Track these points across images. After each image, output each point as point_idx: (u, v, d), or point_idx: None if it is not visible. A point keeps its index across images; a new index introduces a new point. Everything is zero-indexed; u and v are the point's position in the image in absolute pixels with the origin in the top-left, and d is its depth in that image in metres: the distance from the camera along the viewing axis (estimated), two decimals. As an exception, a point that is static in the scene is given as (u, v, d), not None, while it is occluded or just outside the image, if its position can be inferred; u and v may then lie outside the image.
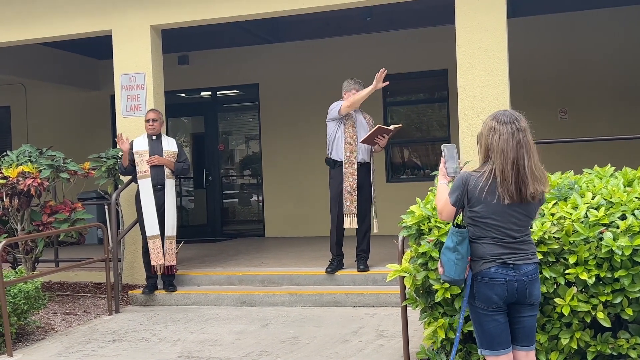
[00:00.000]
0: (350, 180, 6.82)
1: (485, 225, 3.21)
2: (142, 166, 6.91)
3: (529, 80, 9.72)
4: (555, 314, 3.94)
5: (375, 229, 6.98)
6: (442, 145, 3.48)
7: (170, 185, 7.01)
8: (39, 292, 5.85)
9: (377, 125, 6.84)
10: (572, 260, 3.83)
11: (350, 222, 6.84)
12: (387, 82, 6.79)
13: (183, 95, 12.02)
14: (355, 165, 6.82)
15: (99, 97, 12.09)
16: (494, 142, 3.16)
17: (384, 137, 6.82)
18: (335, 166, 6.92)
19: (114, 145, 8.63)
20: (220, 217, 11.92)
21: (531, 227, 3.40)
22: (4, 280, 5.41)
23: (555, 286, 3.91)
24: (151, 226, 6.87)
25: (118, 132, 7.48)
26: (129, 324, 6.24)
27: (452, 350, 3.43)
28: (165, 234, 6.92)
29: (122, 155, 7.06)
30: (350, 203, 6.81)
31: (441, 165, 3.46)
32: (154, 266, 6.90)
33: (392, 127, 6.91)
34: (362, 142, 6.80)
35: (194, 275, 7.43)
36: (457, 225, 3.29)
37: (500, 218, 3.18)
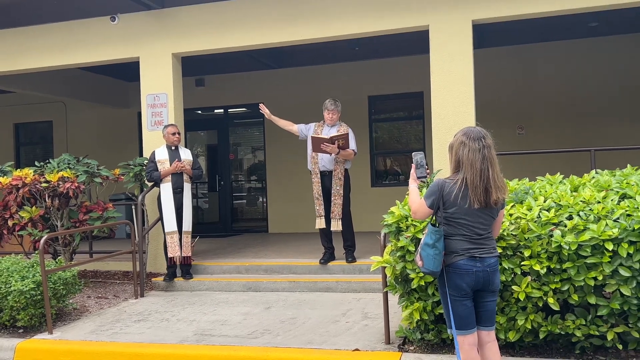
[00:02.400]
0: (316, 188, 6.81)
1: (457, 224, 3.23)
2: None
3: (492, 101, 9.76)
4: (513, 299, 3.96)
5: (334, 227, 6.77)
6: (412, 154, 3.50)
7: (187, 189, 7.01)
8: (75, 279, 5.83)
9: (311, 136, 6.67)
10: (527, 253, 3.85)
11: (320, 223, 6.80)
12: (266, 112, 7.11)
13: (199, 112, 12.02)
14: (319, 175, 6.80)
15: (127, 113, 12.09)
16: (464, 155, 3.18)
17: (327, 145, 6.51)
18: (311, 175, 6.94)
19: (141, 155, 8.60)
20: (230, 215, 11.91)
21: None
22: (46, 268, 5.40)
23: (512, 275, 3.93)
24: (169, 223, 6.85)
25: (145, 146, 7.44)
26: (152, 307, 6.22)
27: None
28: (183, 230, 6.91)
29: (163, 169, 6.87)
30: (318, 207, 6.78)
31: (412, 171, 3.48)
32: (171, 257, 6.89)
33: (328, 136, 6.58)
34: (313, 151, 6.73)
35: (208, 265, 7.42)
36: (433, 225, 3.31)
37: (470, 218, 3.21)
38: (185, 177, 6.98)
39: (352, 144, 6.78)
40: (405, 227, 4.19)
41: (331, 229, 6.81)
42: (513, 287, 3.90)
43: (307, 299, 6.25)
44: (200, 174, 7.33)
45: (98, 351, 4.81)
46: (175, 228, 6.86)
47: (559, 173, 4.74)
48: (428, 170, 3.53)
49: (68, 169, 7.04)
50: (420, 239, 3.69)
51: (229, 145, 11.98)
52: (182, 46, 7.79)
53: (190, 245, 6.98)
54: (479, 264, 3.20)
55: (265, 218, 11.54)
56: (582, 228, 3.78)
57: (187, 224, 6.95)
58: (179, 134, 7.12)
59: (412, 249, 4.08)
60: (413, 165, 3.47)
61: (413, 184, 3.46)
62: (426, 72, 7.01)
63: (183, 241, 6.90)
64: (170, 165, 6.88)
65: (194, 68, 10.28)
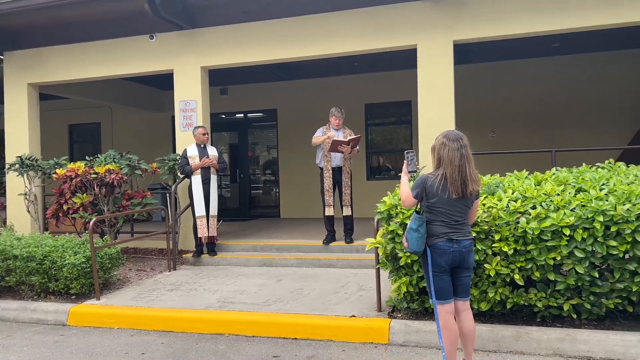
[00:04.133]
0: (327, 182, 6.81)
1: (437, 212, 3.22)
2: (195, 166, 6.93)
3: (469, 108, 9.72)
4: (485, 275, 3.96)
5: (345, 213, 6.81)
6: (405, 152, 3.49)
7: (214, 180, 7.01)
8: (119, 255, 5.86)
9: (332, 139, 6.64)
10: (497, 237, 3.85)
11: (329, 211, 6.83)
12: (334, 137, 6.67)
13: (223, 116, 12.00)
14: (331, 171, 6.80)
15: (163, 117, 12.08)
16: (444, 154, 3.18)
17: (344, 146, 6.61)
18: (321, 171, 6.92)
19: (174, 151, 8.61)
20: (249, 203, 11.91)
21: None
22: (95, 245, 5.42)
23: (485, 255, 3.93)
24: (199, 209, 6.87)
25: (177, 144, 7.48)
26: (183, 278, 6.24)
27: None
28: (210, 214, 6.91)
29: (194, 164, 6.84)
30: (328, 197, 6.80)
31: (404, 166, 3.47)
32: (200, 237, 6.91)
33: (347, 139, 6.68)
34: (329, 150, 6.71)
35: (229, 244, 7.43)
36: (418, 212, 3.30)
37: (448, 207, 3.20)
38: (212, 170, 6.99)
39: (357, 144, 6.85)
40: (395, 214, 4.19)
41: (344, 214, 6.84)
42: (485, 265, 3.89)
43: (312, 273, 6.26)
44: (225, 167, 7.34)
45: (138, 314, 4.84)
46: (204, 213, 6.87)
47: (525, 170, 4.73)
48: (418, 166, 3.52)
49: (113, 163, 7.05)
50: (407, 224, 3.68)
51: (248, 144, 11.97)
52: (209, 60, 7.77)
53: (215, 227, 6.99)
54: (455, 245, 3.20)
55: (278, 205, 11.54)
56: (544, 216, 3.77)
57: (214, 209, 6.95)
58: (208, 134, 7.12)
59: (400, 232, 4.08)
60: (405, 161, 3.46)
61: (404, 177, 3.45)
62: (414, 84, 6.98)
63: (210, 223, 6.92)
64: (200, 160, 6.89)
65: (219, 79, 10.26)
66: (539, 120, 9.89)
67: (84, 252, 5.45)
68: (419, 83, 6.84)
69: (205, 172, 6.93)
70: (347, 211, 6.83)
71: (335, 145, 6.64)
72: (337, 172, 6.85)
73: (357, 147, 6.88)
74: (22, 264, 5.40)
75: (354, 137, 6.74)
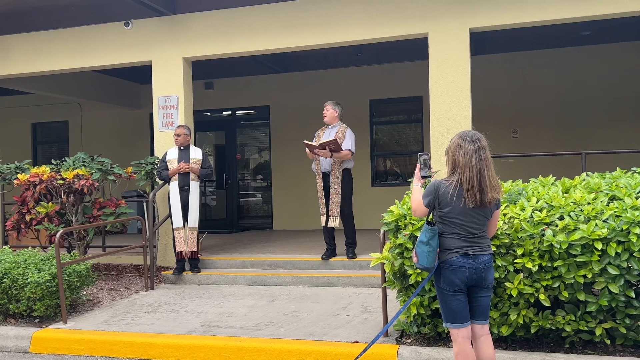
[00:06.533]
0: (319, 188, 6.85)
1: (451, 223, 3.23)
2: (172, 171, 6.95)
3: (488, 106, 9.76)
4: (506, 295, 3.96)
5: (331, 224, 6.76)
6: (418, 154, 3.50)
7: (194, 187, 6.99)
8: (89, 272, 5.85)
9: (303, 142, 6.66)
10: (519, 252, 3.85)
11: (323, 221, 6.84)
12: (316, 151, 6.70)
13: (208, 113, 12.04)
14: (321, 176, 6.85)
15: (140, 114, 12.12)
16: (460, 157, 3.18)
17: (319, 150, 6.62)
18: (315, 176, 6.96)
19: (152, 154, 8.63)
20: (237, 212, 11.92)
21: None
22: (61, 261, 5.42)
23: (506, 272, 3.93)
24: (176, 219, 6.87)
25: (156, 146, 7.50)
26: (162, 299, 6.24)
27: (406, 302, 3.45)
28: (188, 226, 6.91)
29: (172, 168, 6.91)
30: (322, 206, 6.82)
31: (417, 171, 3.48)
32: (180, 252, 6.91)
33: (317, 143, 6.68)
34: (312, 154, 6.76)
35: (215, 260, 7.43)
36: (429, 223, 3.31)
37: (464, 218, 3.20)
38: (192, 175, 6.98)
39: (348, 144, 6.77)
40: (403, 225, 4.19)
41: (328, 225, 6.82)
42: (506, 283, 3.90)
43: (310, 293, 6.25)
44: (209, 172, 7.22)
45: (110, 340, 4.83)
46: (181, 224, 6.87)
47: (551, 175, 4.74)
48: (433, 171, 3.53)
49: (83, 167, 7.06)
50: (417, 237, 3.69)
51: (236, 145, 12.00)
52: (192, 51, 7.81)
53: (195, 240, 6.99)
54: (472, 261, 3.20)
55: (270, 215, 11.55)
56: (572, 228, 3.78)
57: (192, 221, 6.94)
58: (178, 135, 7.04)
59: (410, 246, 4.08)
60: (418, 165, 3.47)
61: (417, 182, 3.46)
62: (425, 78, 7.01)
63: (189, 236, 6.91)
64: (177, 165, 6.89)
65: (204, 72, 10.30)
66: (567, 118, 9.93)
67: (49, 268, 5.44)
68: (430, 76, 6.87)
69: (184, 177, 6.93)
70: (334, 222, 6.76)
71: (310, 149, 6.68)
72: (327, 177, 6.86)
73: (350, 148, 6.74)
74: (-22, 282, 5.40)
75: (325, 141, 6.63)
